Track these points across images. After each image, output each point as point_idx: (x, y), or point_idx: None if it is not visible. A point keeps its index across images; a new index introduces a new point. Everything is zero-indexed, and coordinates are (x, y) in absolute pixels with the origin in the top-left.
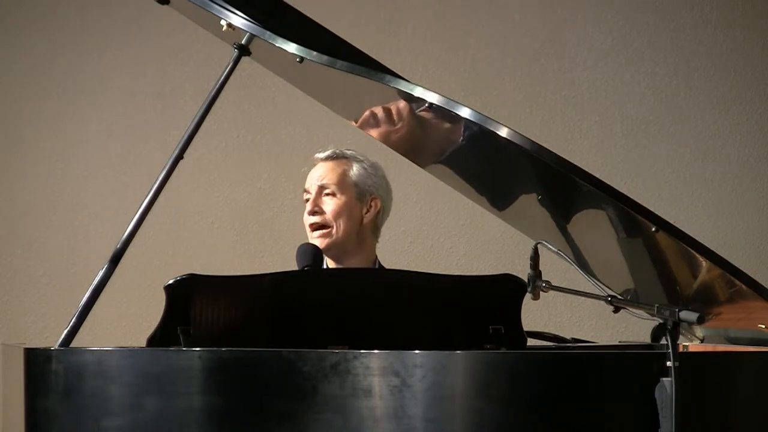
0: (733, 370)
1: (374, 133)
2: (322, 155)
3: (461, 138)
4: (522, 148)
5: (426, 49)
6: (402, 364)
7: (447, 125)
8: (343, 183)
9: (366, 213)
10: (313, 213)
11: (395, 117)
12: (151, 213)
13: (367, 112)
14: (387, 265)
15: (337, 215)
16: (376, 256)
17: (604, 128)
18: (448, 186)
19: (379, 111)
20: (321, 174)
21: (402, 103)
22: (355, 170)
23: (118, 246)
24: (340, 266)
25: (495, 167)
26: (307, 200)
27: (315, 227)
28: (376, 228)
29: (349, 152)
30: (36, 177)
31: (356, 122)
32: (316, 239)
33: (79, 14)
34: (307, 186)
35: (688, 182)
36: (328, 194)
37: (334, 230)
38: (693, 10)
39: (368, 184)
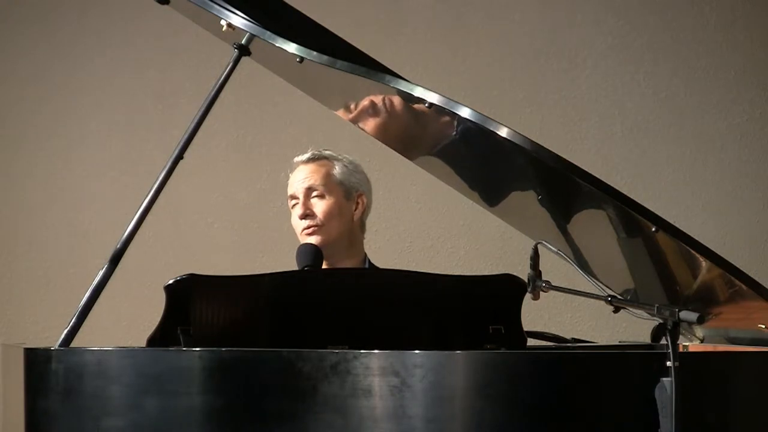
0: (733, 370)
1: (372, 129)
2: (302, 158)
3: (460, 137)
4: (522, 148)
5: (426, 49)
6: (402, 364)
7: (447, 125)
8: (329, 183)
9: (355, 210)
10: (304, 216)
11: (393, 114)
12: (151, 213)
13: (363, 107)
14: (386, 266)
15: (329, 216)
16: (365, 253)
17: (604, 128)
18: (448, 186)
19: (376, 107)
20: (305, 176)
21: (401, 101)
22: (338, 169)
23: (118, 246)
24: (334, 266)
25: (494, 166)
26: (294, 205)
27: (307, 229)
28: (362, 224)
29: (327, 152)
30: (36, 177)
31: (353, 118)
32: (309, 237)
33: (79, 14)
34: (292, 191)
35: (688, 182)
36: (316, 196)
37: (326, 230)
38: (693, 10)
39: (353, 182)
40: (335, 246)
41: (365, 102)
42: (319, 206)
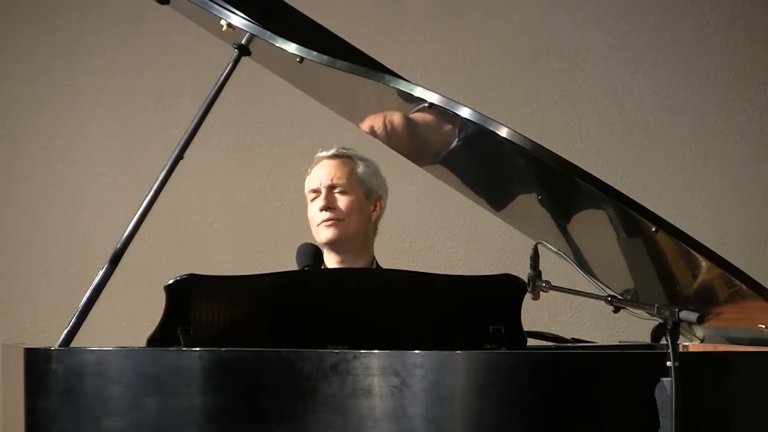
0: (733, 370)
1: (375, 136)
2: (326, 153)
3: (461, 138)
4: (522, 148)
5: (426, 49)
6: (402, 364)
7: (447, 126)
8: (351, 181)
9: (373, 212)
10: (325, 209)
11: (395, 132)
12: (151, 213)
13: (368, 121)
14: (386, 265)
15: (350, 211)
16: (374, 256)
17: (604, 128)
18: (448, 186)
19: (378, 129)
20: (329, 173)
21: (403, 108)
22: (361, 169)
23: (118, 246)
24: (341, 265)
25: (495, 167)
26: (314, 198)
27: (327, 221)
28: (376, 227)
29: (350, 152)
30: (36, 177)
31: (358, 125)
32: (327, 229)
33: (79, 14)
34: (314, 185)
35: (688, 182)
36: (338, 191)
37: (345, 225)
38: (693, 10)
39: (373, 183)
40: (350, 242)
41: (367, 123)
42: (341, 201)
